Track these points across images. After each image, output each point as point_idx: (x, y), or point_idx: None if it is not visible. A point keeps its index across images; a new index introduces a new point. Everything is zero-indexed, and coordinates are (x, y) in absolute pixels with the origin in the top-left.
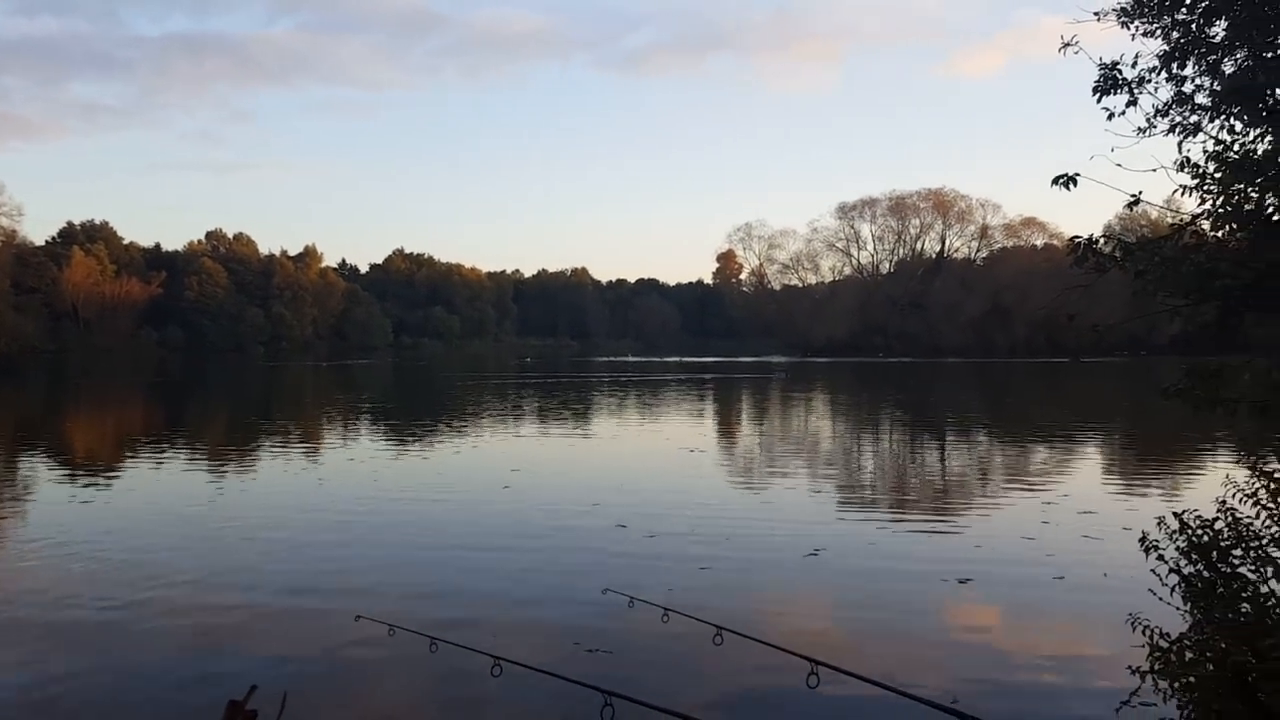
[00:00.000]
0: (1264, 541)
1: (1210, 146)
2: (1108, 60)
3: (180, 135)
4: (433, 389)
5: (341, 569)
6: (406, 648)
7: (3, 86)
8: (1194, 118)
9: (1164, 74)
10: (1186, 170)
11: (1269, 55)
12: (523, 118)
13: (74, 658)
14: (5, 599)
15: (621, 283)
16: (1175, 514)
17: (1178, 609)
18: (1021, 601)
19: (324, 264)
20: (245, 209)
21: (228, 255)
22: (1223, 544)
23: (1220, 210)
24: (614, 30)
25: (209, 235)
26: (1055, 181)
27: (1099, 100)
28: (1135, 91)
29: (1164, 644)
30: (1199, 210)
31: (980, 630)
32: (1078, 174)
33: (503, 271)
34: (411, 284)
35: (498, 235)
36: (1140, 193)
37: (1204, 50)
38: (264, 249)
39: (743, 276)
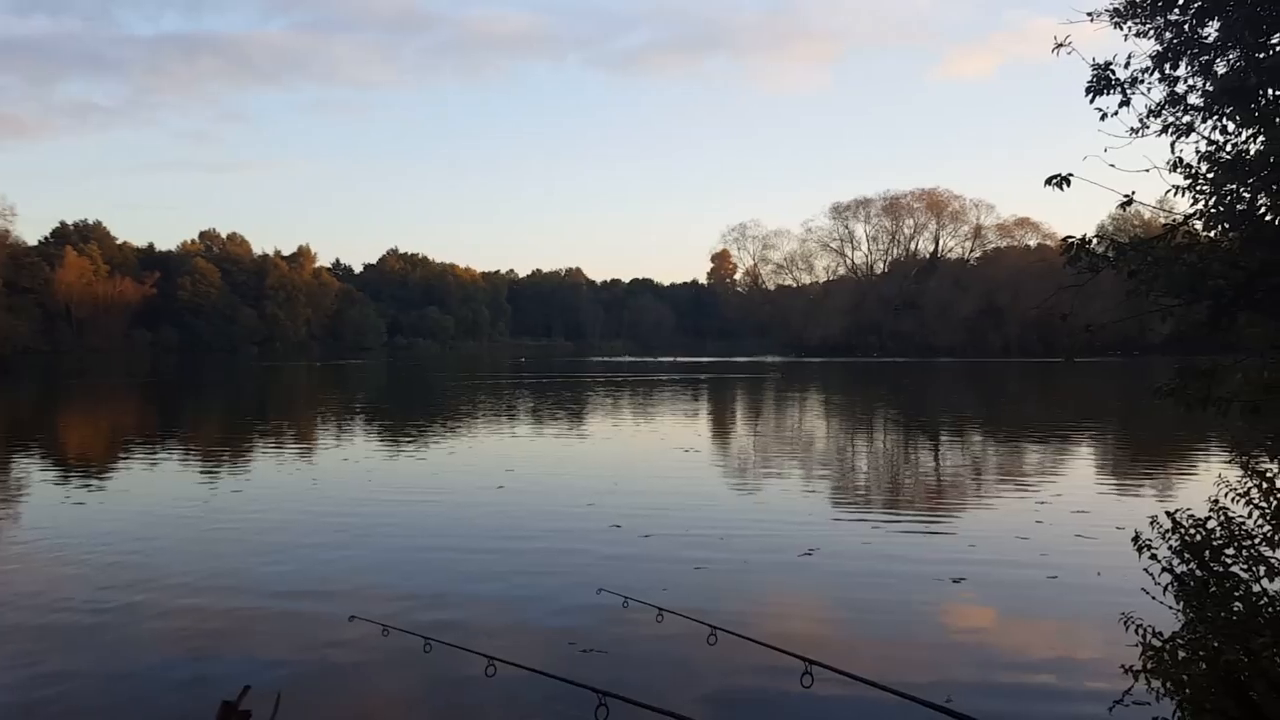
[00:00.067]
0: (1256, 540)
1: (1203, 147)
2: (1101, 61)
3: (173, 135)
4: (427, 389)
5: (335, 569)
6: (401, 648)
7: None
8: (1186, 118)
9: (1157, 74)
10: (1179, 170)
11: (1261, 56)
12: (517, 117)
13: (66, 659)
14: None
15: (616, 283)
16: (1168, 513)
17: (1170, 608)
18: (1015, 601)
19: (318, 264)
20: (239, 209)
21: (221, 255)
22: (1215, 543)
23: (1213, 210)
24: (608, 30)
25: (202, 235)
26: (1049, 182)
27: (1092, 101)
28: (1128, 92)
29: (1157, 643)
30: (1191, 210)
31: (974, 629)
32: (1071, 174)
33: (497, 271)
34: (405, 284)
35: (492, 235)
36: (1133, 193)
37: (1196, 51)
38: (258, 249)
39: (737, 276)
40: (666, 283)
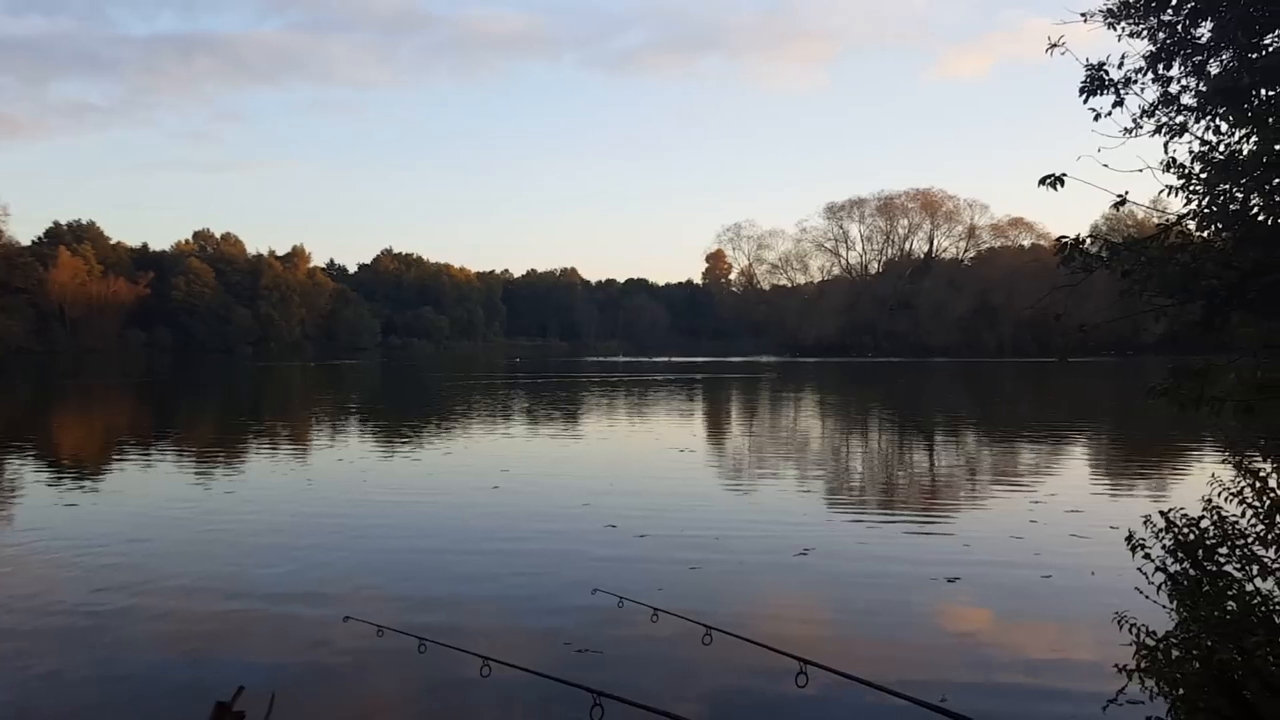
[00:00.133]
0: (1249, 540)
1: (1196, 147)
2: (1094, 61)
3: (168, 135)
4: (421, 389)
5: (330, 570)
6: (395, 649)
7: None
8: (1180, 118)
9: (1150, 75)
10: (1172, 170)
11: (1254, 56)
12: (512, 117)
13: (61, 661)
14: None
15: (611, 283)
16: (1162, 513)
17: (1164, 607)
18: (1009, 600)
19: (312, 264)
20: (233, 209)
21: (215, 255)
22: (1209, 542)
23: (1206, 210)
24: (604, 30)
25: (196, 235)
26: (1043, 181)
27: (1085, 101)
28: (1122, 92)
29: (1151, 642)
30: (1185, 210)
31: (968, 629)
32: (1065, 174)
33: (492, 271)
34: (400, 284)
35: (487, 235)
36: (1126, 193)
37: (1190, 51)
38: (252, 249)
39: (732, 276)
40: (661, 283)
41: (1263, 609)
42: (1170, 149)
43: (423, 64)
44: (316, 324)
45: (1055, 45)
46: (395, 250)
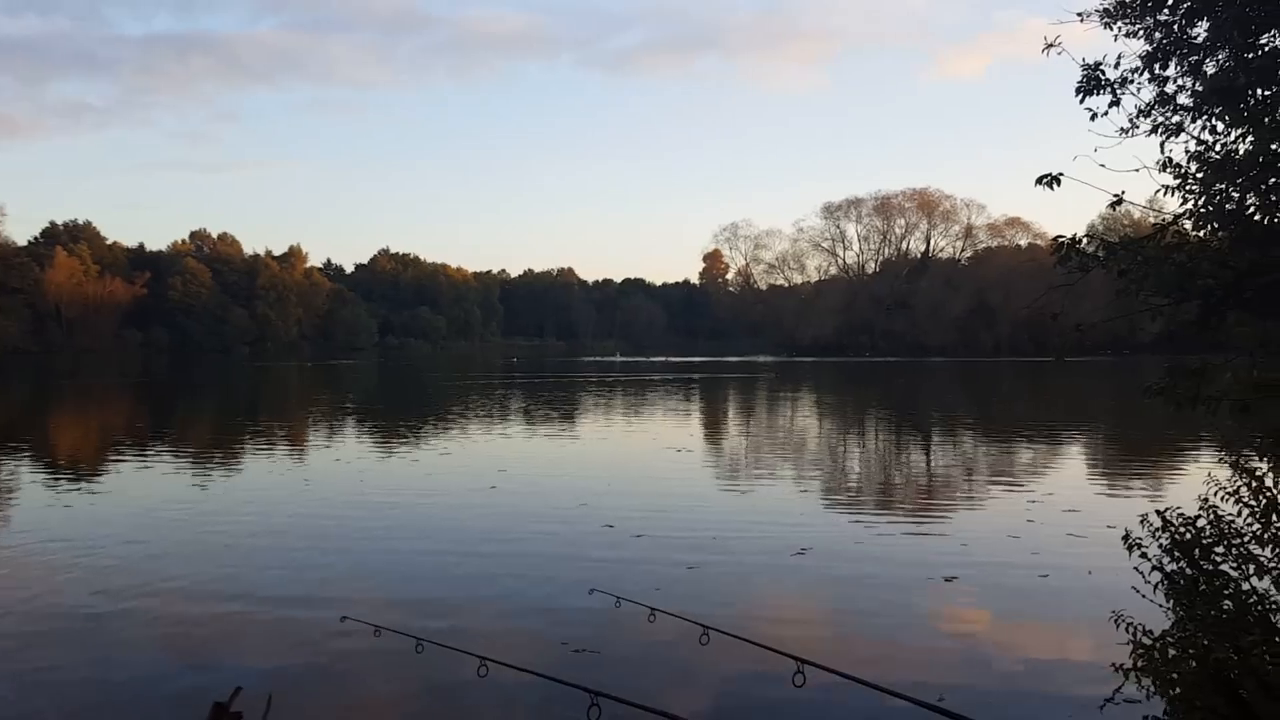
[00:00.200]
0: (1246, 539)
1: (1192, 147)
2: (1091, 61)
3: (165, 135)
4: (419, 389)
5: (327, 570)
6: (392, 649)
7: None
8: (1176, 118)
9: (1146, 75)
10: (1169, 170)
11: (1250, 56)
12: (510, 117)
13: (58, 662)
14: None
15: (608, 283)
16: (1158, 512)
17: (1161, 606)
18: (1006, 600)
19: (309, 264)
20: (231, 209)
21: (212, 255)
22: (1205, 542)
23: (1202, 210)
24: (601, 30)
25: (193, 235)
26: (1039, 181)
27: (1082, 101)
28: (1118, 92)
29: (1147, 641)
30: (1181, 210)
31: (966, 628)
32: (1061, 174)
33: (489, 271)
34: (397, 284)
35: (484, 235)
36: (1123, 192)
37: (1186, 51)
38: (249, 249)
39: (729, 276)
40: (659, 283)
41: (1259, 608)
42: (1166, 148)
43: (422, 64)
44: (313, 324)
45: (1052, 45)
46: (393, 250)
